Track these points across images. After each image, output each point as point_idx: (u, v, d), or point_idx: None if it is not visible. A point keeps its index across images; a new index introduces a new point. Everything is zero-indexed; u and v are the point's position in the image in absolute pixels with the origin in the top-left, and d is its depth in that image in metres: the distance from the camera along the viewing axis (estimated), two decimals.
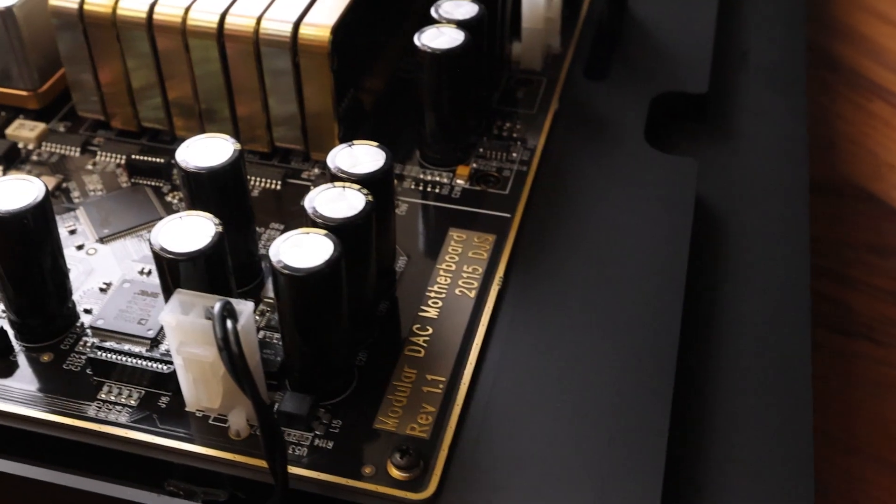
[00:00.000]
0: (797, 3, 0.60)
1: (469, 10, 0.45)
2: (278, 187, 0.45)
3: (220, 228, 0.34)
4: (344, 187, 0.36)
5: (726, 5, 0.59)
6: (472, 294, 0.41)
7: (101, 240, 0.43)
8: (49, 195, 0.36)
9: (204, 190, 0.38)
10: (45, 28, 0.47)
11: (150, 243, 0.34)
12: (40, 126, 0.48)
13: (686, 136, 0.51)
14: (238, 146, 0.38)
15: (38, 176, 0.44)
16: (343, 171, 0.37)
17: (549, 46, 0.53)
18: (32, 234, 0.36)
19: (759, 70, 0.54)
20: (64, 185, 0.46)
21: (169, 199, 0.45)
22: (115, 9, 0.44)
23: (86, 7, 0.44)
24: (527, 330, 0.39)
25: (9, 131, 0.48)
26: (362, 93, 0.48)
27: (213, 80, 0.45)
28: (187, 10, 0.44)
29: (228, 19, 0.43)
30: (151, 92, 0.46)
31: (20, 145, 0.48)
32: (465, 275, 0.41)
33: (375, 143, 0.38)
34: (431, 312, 0.40)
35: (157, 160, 0.46)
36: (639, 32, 0.56)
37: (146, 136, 0.48)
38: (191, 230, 0.34)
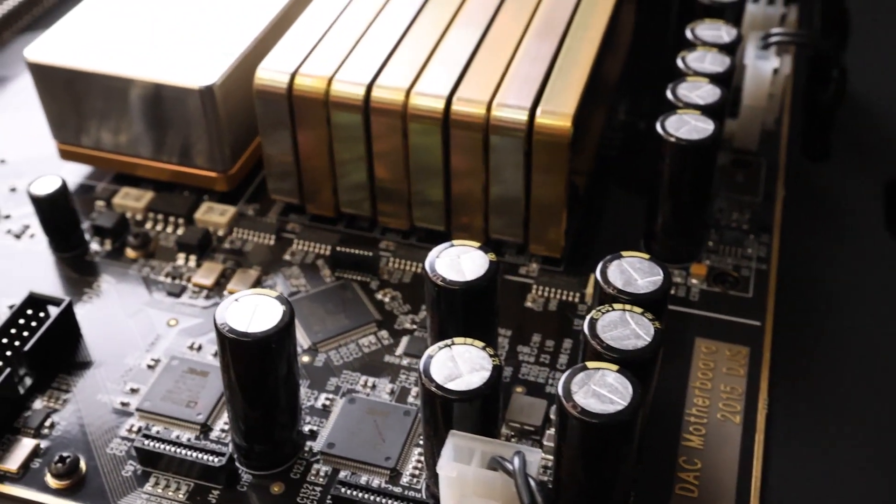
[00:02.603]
0: None
1: (710, 94, 0.41)
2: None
3: (496, 361, 0.30)
4: (624, 310, 0.32)
5: None
6: (738, 420, 0.36)
7: (315, 346, 0.39)
8: (293, 314, 0.32)
9: (456, 306, 0.34)
10: (241, 107, 0.44)
11: (421, 376, 0.30)
12: (230, 210, 0.45)
13: None
14: (493, 256, 0.34)
15: (232, 266, 0.41)
16: (620, 291, 0.33)
17: (763, 124, 0.49)
18: (275, 356, 0.32)
19: None
20: (264, 279, 0.42)
21: (380, 297, 0.41)
22: (328, 88, 0.41)
23: (296, 85, 0.41)
24: (806, 463, 0.35)
25: (198, 216, 0.44)
26: (576, 176, 0.44)
27: (430, 165, 0.41)
28: (408, 92, 0.40)
29: (456, 105, 0.39)
30: (356, 175, 0.42)
31: (209, 229, 0.44)
32: (723, 395, 0.37)
33: (647, 256, 0.34)
34: (695, 441, 0.36)
35: (366, 253, 0.42)
36: (856, 106, 0.52)
37: (343, 221, 0.45)
38: (463, 361, 0.30)
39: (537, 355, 0.39)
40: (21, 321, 0.38)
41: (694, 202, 0.41)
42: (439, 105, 0.40)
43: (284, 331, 0.32)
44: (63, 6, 0.60)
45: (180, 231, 0.44)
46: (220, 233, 0.44)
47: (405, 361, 0.39)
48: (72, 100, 0.44)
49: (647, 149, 0.48)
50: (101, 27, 0.45)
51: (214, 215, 0.44)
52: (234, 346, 0.32)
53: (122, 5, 0.46)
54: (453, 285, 0.33)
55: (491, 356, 0.31)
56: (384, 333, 0.40)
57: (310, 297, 0.41)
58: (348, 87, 0.40)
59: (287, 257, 0.43)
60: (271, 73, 0.41)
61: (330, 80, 0.41)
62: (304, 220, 0.45)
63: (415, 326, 0.40)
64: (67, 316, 0.39)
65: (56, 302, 0.39)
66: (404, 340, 0.39)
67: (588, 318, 0.32)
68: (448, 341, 0.31)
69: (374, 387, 0.37)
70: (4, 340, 0.37)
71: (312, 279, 0.42)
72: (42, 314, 0.39)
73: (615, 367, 0.30)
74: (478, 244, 0.34)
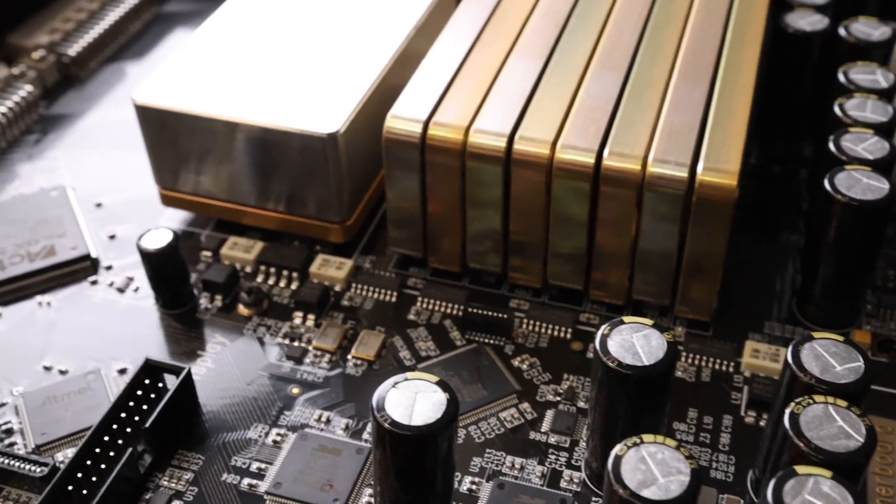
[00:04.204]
0: None
1: (878, 148, 0.38)
2: None
3: (692, 465, 0.27)
4: (827, 403, 0.29)
5: None
6: None
7: None
8: (457, 404, 0.29)
9: (629, 391, 0.31)
10: (360, 154, 0.41)
11: (611, 480, 0.27)
12: (347, 263, 0.42)
13: None
14: (670, 336, 0.31)
15: (354, 327, 0.38)
16: (819, 380, 0.30)
17: None
18: (438, 447, 0.29)
19: None
20: (389, 341, 0.39)
21: (517, 363, 0.38)
22: (465, 138, 0.37)
23: (430, 134, 0.38)
24: None
25: (314, 269, 0.41)
26: None
27: (572, 220, 0.38)
28: (554, 146, 0.37)
29: (608, 160, 0.36)
30: (488, 229, 0.39)
31: (326, 284, 0.41)
32: None
33: (841, 338, 0.31)
34: None
35: (500, 315, 0.39)
36: None
37: (467, 277, 0.41)
38: (656, 464, 0.27)
39: (696, 433, 0.36)
40: (138, 392, 0.35)
41: (861, 265, 0.38)
42: (589, 159, 0.36)
43: (450, 422, 0.29)
44: (147, 33, 0.57)
45: (294, 285, 0.41)
46: (338, 288, 0.41)
47: (552, 439, 0.35)
48: (179, 144, 0.41)
49: (787, 198, 0.45)
50: (209, 68, 0.42)
51: (331, 269, 0.41)
52: (395, 440, 0.29)
53: (229, 44, 0.43)
54: (628, 369, 0.30)
55: (687, 458, 0.27)
56: (526, 406, 0.37)
57: (442, 363, 0.38)
58: (488, 139, 0.37)
59: (412, 316, 0.40)
60: (403, 121, 0.38)
61: (467, 130, 0.38)
62: (424, 275, 0.42)
63: (558, 398, 0.37)
64: (187, 386, 0.36)
65: (174, 370, 0.36)
66: (549, 415, 0.36)
67: (788, 412, 0.29)
68: (636, 439, 0.28)
69: (521, 468, 0.34)
70: (123, 415, 0.34)
71: (441, 342, 0.39)
72: (160, 384, 0.36)
73: (828, 472, 0.27)
74: (651, 322, 0.31)
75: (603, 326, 0.31)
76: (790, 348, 0.31)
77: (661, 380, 0.30)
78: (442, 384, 0.29)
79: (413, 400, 0.29)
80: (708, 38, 0.42)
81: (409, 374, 0.30)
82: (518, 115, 0.38)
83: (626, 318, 0.31)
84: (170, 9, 0.60)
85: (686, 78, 0.40)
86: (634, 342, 0.31)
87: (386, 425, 0.28)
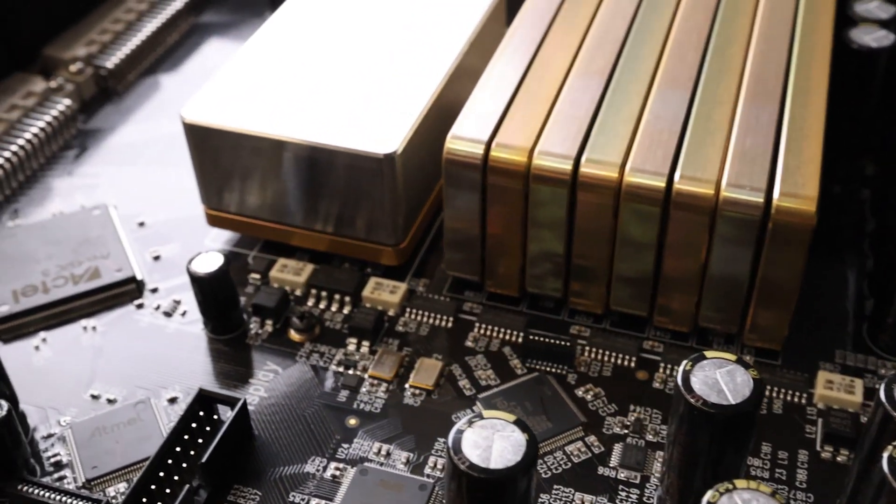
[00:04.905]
0: None
1: None
2: None
3: None
4: None
5: None
6: None
7: None
8: (537, 445, 0.28)
9: (715, 431, 0.29)
10: (415, 175, 0.40)
11: None
12: (401, 287, 0.40)
13: None
14: (756, 373, 0.29)
15: (411, 354, 0.36)
16: None
17: None
18: (517, 489, 0.28)
19: None
20: (447, 369, 0.38)
21: (580, 393, 0.37)
22: (529, 160, 0.36)
23: (492, 156, 0.36)
24: None
25: (367, 293, 0.40)
26: None
27: (639, 245, 0.37)
28: (622, 169, 0.35)
29: (678, 185, 0.35)
30: (549, 252, 0.38)
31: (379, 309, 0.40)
32: None
33: None
34: None
35: (562, 342, 0.38)
36: None
37: (524, 302, 0.40)
38: None
39: (771, 469, 0.34)
40: (193, 424, 0.34)
41: None
42: (660, 183, 0.35)
43: (530, 465, 0.27)
44: (184, 44, 0.56)
45: (346, 310, 0.40)
46: (391, 312, 0.40)
47: (622, 474, 0.34)
48: (229, 163, 0.40)
49: (850, 218, 0.44)
50: (258, 83, 0.41)
51: (384, 293, 0.40)
52: (473, 484, 0.27)
53: (277, 59, 0.42)
54: (713, 408, 0.29)
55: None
56: (593, 439, 0.35)
57: (504, 393, 0.37)
58: (553, 161, 0.36)
59: (469, 343, 0.39)
60: (464, 142, 0.37)
61: (531, 152, 0.36)
62: (480, 299, 0.40)
63: (626, 431, 0.35)
64: (242, 417, 0.34)
65: (229, 401, 0.34)
66: (617, 449, 0.35)
67: (886, 455, 0.27)
68: (728, 485, 0.27)
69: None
70: (178, 448, 0.33)
71: (501, 370, 0.38)
72: (214, 415, 0.35)
73: None
74: (734, 357, 0.30)
75: (684, 362, 0.30)
76: (883, 386, 0.29)
77: (748, 419, 0.29)
78: (520, 424, 0.28)
79: (491, 441, 0.28)
80: (774, 56, 0.40)
81: (484, 413, 0.28)
82: (583, 137, 0.37)
83: (707, 353, 0.30)
84: (206, 19, 0.58)
85: (754, 97, 0.38)
86: (718, 379, 0.29)
87: (464, 468, 0.27)
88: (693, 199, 0.35)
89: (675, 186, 0.35)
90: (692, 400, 0.29)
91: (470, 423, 0.28)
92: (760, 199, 0.34)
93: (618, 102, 0.38)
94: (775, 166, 0.35)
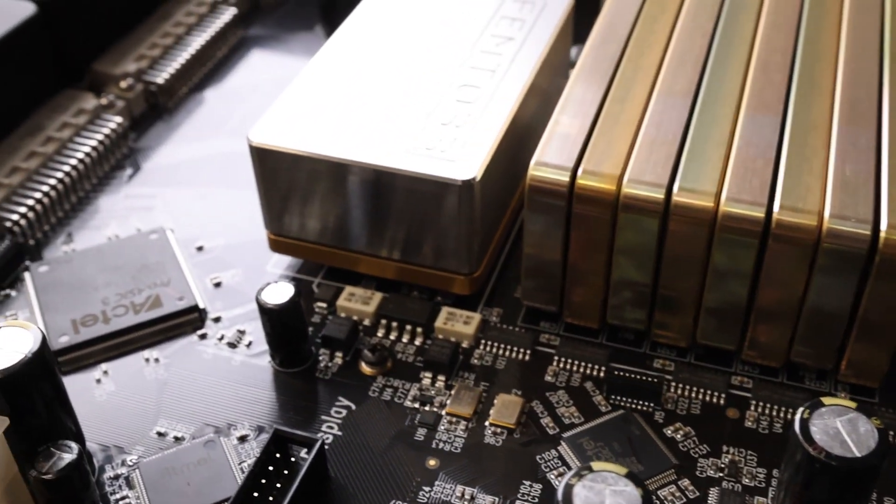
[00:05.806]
0: None
1: None
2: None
3: None
4: None
5: None
6: None
7: None
8: (652, 500, 0.26)
9: (836, 485, 0.27)
10: (490, 201, 0.38)
11: None
12: (475, 318, 0.39)
13: None
14: (879, 423, 0.28)
15: (488, 390, 0.35)
16: None
17: None
18: None
19: None
20: (528, 405, 0.36)
21: (669, 433, 0.35)
22: (618, 188, 0.34)
23: (579, 184, 0.35)
24: None
25: (439, 324, 0.38)
26: None
27: (734, 277, 0.35)
28: (717, 198, 0.34)
29: (779, 216, 0.33)
30: (635, 284, 0.36)
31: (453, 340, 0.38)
32: None
33: None
34: None
35: (648, 378, 0.36)
36: None
37: (603, 334, 0.38)
38: None
39: None
40: (269, 467, 0.32)
41: None
42: (759, 213, 0.33)
43: None
44: (232, 57, 0.54)
45: (418, 341, 0.38)
46: (465, 344, 0.38)
47: None
48: (296, 188, 0.38)
49: None
50: (326, 105, 0.39)
51: (458, 324, 0.38)
52: None
53: (343, 78, 0.40)
54: (837, 461, 0.27)
55: None
56: (686, 483, 0.34)
57: (590, 432, 0.35)
58: (644, 189, 0.34)
59: (549, 378, 0.37)
60: (548, 168, 0.35)
61: (620, 180, 0.35)
62: (557, 330, 0.39)
63: (720, 475, 0.34)
64: (319, 459, 0.33)
65: (306, 443, 0.33)
66: (713, 494, 0.33)
67: None
68: None
69: None
70: (255, 494, 0.31)
71: (585, 407, 0.36)
72: (291, 457, 0.33)
73: None
74: (854, 404, 0.28)
75: (801, 409, 0.28)
76: None
77: (873, 472, 0.27)
78: (633, 477, 0.26)
79: (603, 497, 0.26)
80: (864, 76, 0.38)
81: (593, 465, 0.27)
82: (673, 163, 0.35)
83: (825, 400, 0.28)
84: (255, 32, 0.57)
85: (849, 121, 0.36)
86: (840, 428, 0.28)
87: None
88: (794, 230, 0.33)
89: (776, 217, 0.33)
90: (813, 451, 0.27)
91: (579, 475, 0.26)
92: (867, 231, 0.33)
93: (705, 126, 0.37)
94: (879, 195, 0.34)
